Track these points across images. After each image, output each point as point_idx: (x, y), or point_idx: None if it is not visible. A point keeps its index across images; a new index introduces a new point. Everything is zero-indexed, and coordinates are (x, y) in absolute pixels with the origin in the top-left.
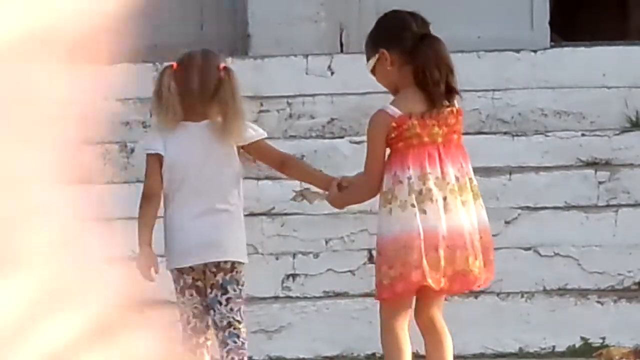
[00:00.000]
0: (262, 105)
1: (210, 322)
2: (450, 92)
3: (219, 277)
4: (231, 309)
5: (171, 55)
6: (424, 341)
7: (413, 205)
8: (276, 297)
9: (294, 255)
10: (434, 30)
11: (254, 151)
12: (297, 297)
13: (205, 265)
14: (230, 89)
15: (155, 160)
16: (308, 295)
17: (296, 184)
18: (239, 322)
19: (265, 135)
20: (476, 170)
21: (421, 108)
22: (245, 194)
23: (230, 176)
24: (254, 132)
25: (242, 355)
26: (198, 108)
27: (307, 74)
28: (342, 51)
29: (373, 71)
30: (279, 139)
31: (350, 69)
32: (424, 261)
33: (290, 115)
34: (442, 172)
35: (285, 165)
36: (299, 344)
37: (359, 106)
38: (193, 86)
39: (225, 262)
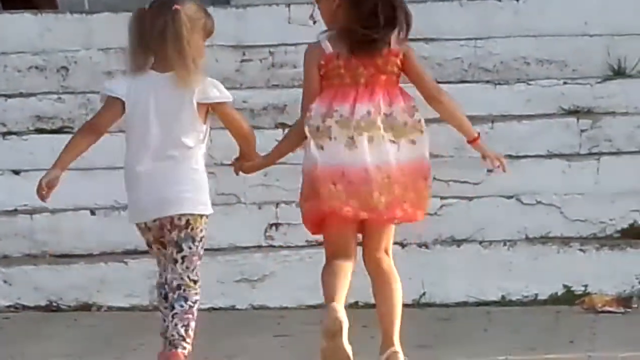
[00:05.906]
0: (244, 54)
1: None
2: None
3: (174, 234)
4: (186, 267)
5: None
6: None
7: (313, 141)
8: (259, 247)
9: (277, 205)
10: None
11: (219, 114)
12: (280, 247)
13: (161, 221)
14: (174, 31)
15: (112, 103)
16: (291, 245)
17: (279, 134)
18: (194, 281)
19: (231, 99)
20: None
21: (348, 48)
22: (228, 143)
23: (187, 124)
24: (219, 93)
25: (187, 320)
26: (160, 55)
27: (289, 23)
28: None
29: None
30: (261, 88)
31: None
32: (323, 191)
33: (273, 65)
34: (352, 111)
35: (244, 141)
36: (282, 293)
37: None
38: (146, 27)
39: (179, 218)
